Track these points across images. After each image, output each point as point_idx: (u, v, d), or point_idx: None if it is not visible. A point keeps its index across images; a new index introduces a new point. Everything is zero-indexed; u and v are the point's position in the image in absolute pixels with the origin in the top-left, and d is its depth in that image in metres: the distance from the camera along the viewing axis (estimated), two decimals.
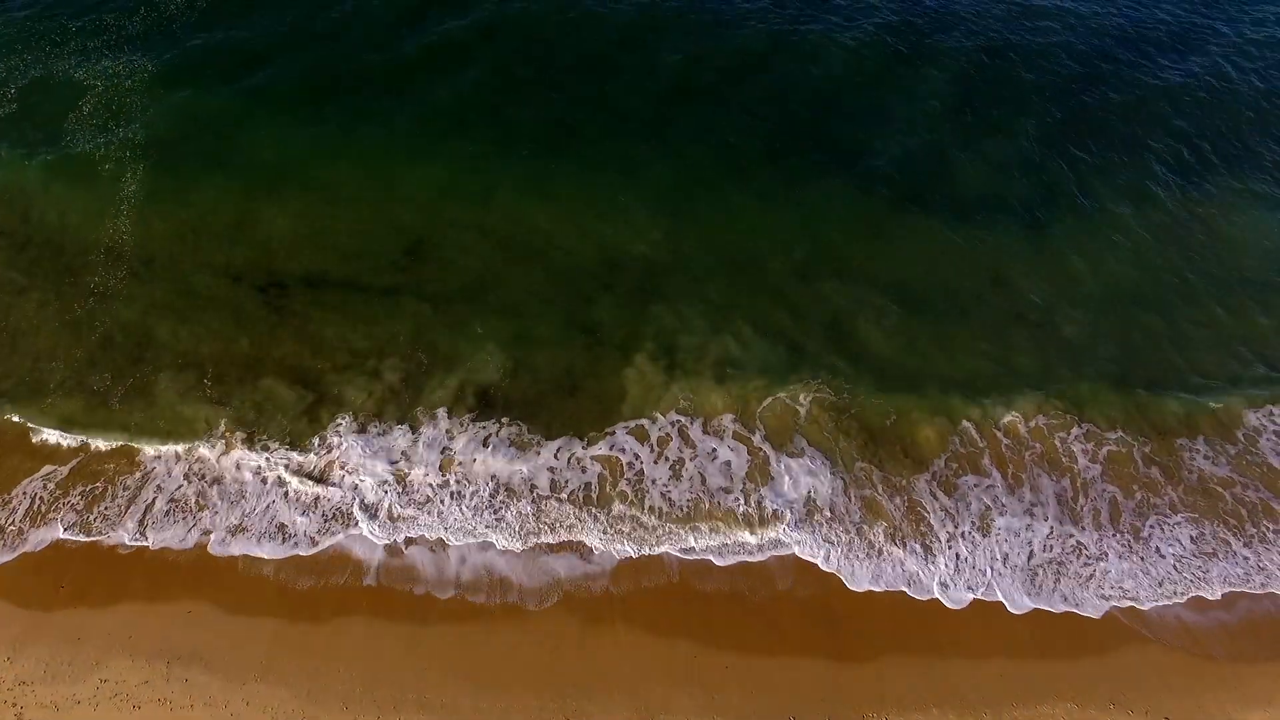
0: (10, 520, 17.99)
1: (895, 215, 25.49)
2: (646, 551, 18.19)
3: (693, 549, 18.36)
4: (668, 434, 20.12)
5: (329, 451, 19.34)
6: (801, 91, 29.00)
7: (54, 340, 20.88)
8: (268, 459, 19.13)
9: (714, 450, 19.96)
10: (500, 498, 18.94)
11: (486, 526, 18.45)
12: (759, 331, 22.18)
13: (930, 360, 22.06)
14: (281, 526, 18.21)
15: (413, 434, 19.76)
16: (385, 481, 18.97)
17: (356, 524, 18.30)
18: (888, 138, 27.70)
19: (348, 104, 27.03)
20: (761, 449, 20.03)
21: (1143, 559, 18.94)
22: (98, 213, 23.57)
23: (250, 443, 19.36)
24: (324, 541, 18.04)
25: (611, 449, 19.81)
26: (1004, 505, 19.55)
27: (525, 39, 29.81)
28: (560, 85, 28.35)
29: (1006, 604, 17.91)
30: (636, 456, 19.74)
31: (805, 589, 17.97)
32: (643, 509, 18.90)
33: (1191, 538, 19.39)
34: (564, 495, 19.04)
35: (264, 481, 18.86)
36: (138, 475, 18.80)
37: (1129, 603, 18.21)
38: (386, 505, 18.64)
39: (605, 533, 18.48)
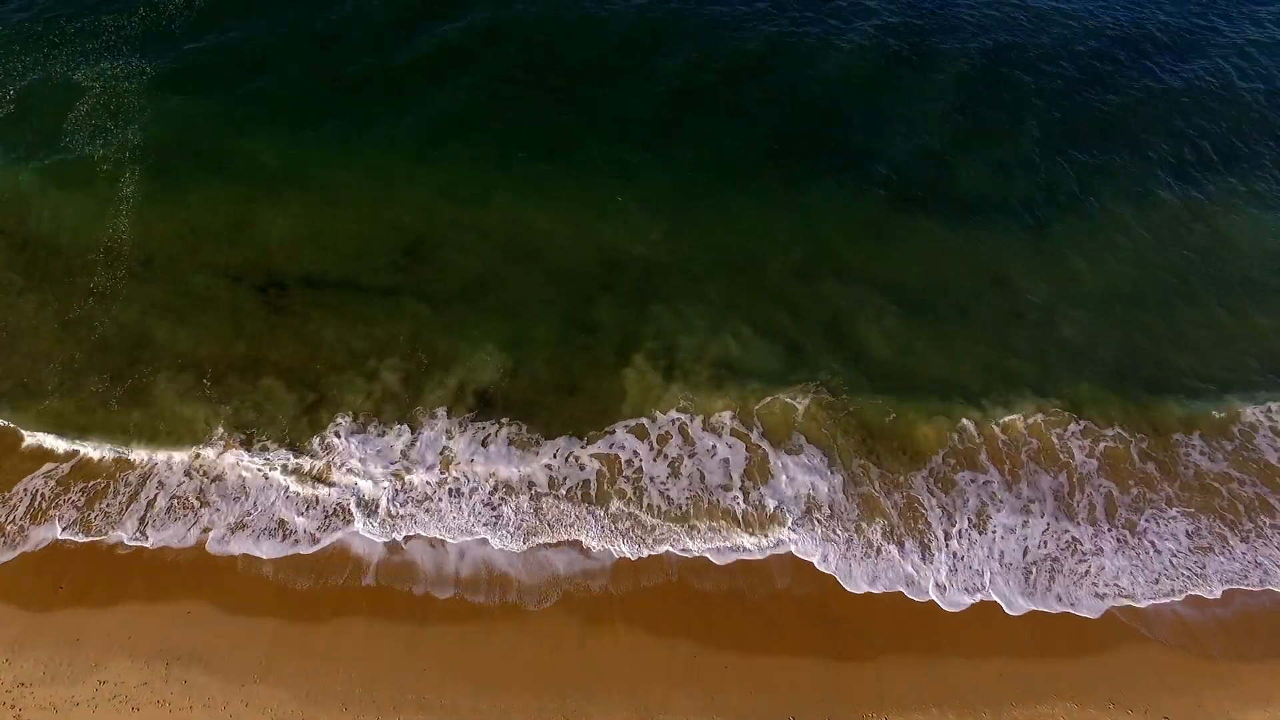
0: (11, 517, 18.01)
1: (895, 216, 25.51)
2: (645, 553, 18.20)
3: (693, 545, 18.37)
4: (667, 432, 20.15)
5: (328, 451, 19.34)
6: (801, 94, 29.01)
7: (52, 341, 20.87)
8: (267, 459, 19.13)
9: (713, 447, 19.99)
10: (499, 495, 18.97)
11: (485, 525, 18.46)
12: (758, 332, 22.19)
13: (929, 360, 22.08)
14: (281, 526, 18.21)
15: (412, 434, 19.77)
16: (384, 481, 18.97)
17: (356, 523, 18.31)
18: (887, 140, 27.72)
19: (347, 107, 27.03)
20: (760, 445, 20.07)
21: (1138, 554, 18.97)
22: (96, 214, 23.55)
23: (250, 443, 19.37)
24: (323, 541, 18.05)
25: (611, 448, 19.83)
26: (1001, 501, 19.59)
27: (524, 42, 29.80)
28: (560, 88, 28.36)
29: (1003, 605, 17.92)
30: (635, 453, 19.78)
31: (804, 587, 17.98)
32: (641, 507, 18.93)
33: (1188, 532, 19.45)
34: (562, 493, 19.07)
35: (263, 481, 18.86)
36: (138, 474, 18.81)
37: (1125, 601, 18.23)
38: (386, 504, 18.65)
39: (604, 531, 18.49)
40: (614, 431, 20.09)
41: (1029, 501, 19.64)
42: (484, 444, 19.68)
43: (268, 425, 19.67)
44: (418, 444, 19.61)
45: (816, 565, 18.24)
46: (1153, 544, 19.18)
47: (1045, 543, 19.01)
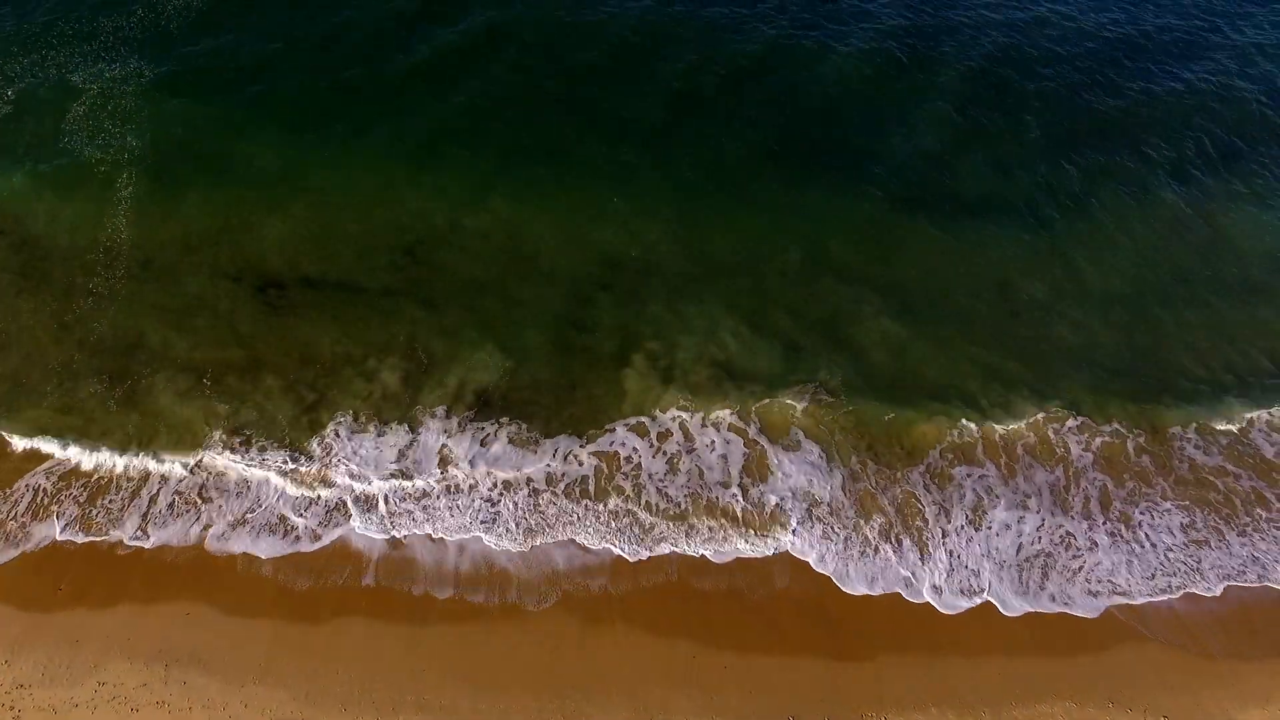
0: (13, 513, 18.01)
1: (894, 217, 25.48)
2: (644, 554, 18.19)
3: (690, 547, 18.37)
4: (667, 430, 20.19)
5: (328, 451, 19.33)
6: (801, 96, 28.92)
7: (51, 342, 20.83)
8: (267, 459, 19.12)
9: (711, 443, 20.03)
10: (498, 492, 18.98)
11: (483, 523, 18.47)
12: (757, 332, 22.18)
13: (928, 359, 22.08)
14: (281, 525, 18.21)
15: (411, 434, 19.75)
16: (384, 480, 18.97)
17: (355, 522, 18.31)
18: (887, 141, 27.67)
19: (347, 110, 26.92)
20: (758, 441, 20.11)
21: (1133, 549, 18.99)
22: (95, 215, 23.49)
23: (249, 443, 19.35)
24: (323, 540, 18.05)
25: (610, 446, 19.84)
26: (998, 497, 19.65)
27: (523, 45, 29.65)
28: (559, 91, 28.25)
29: (999, 607, 17.92)
30: (635, 450, 19.81)
31: (803, 587, 18.00)
32: (640, 505, 18.95)
33: (1182, 525, 19.49)
34: (561, 491, 19.08)
35: (263, 481, 18.85)
36: (137, 474, 18.81)
37: (1121, 599, 18.24)
38: (385, 504, 18.64)
39: (603, 530, 18.49)
40: (614, 430, 20.10)
41: (1025, 496, 19.69)
42: (483, 444, 19.67)
43: (267, 425, 19.66)
44: (417, 444, 19.60)
45: (813, 566, 18.25)
46: (1147, 537, 19.23)
47: (1040, 538, 19.05)
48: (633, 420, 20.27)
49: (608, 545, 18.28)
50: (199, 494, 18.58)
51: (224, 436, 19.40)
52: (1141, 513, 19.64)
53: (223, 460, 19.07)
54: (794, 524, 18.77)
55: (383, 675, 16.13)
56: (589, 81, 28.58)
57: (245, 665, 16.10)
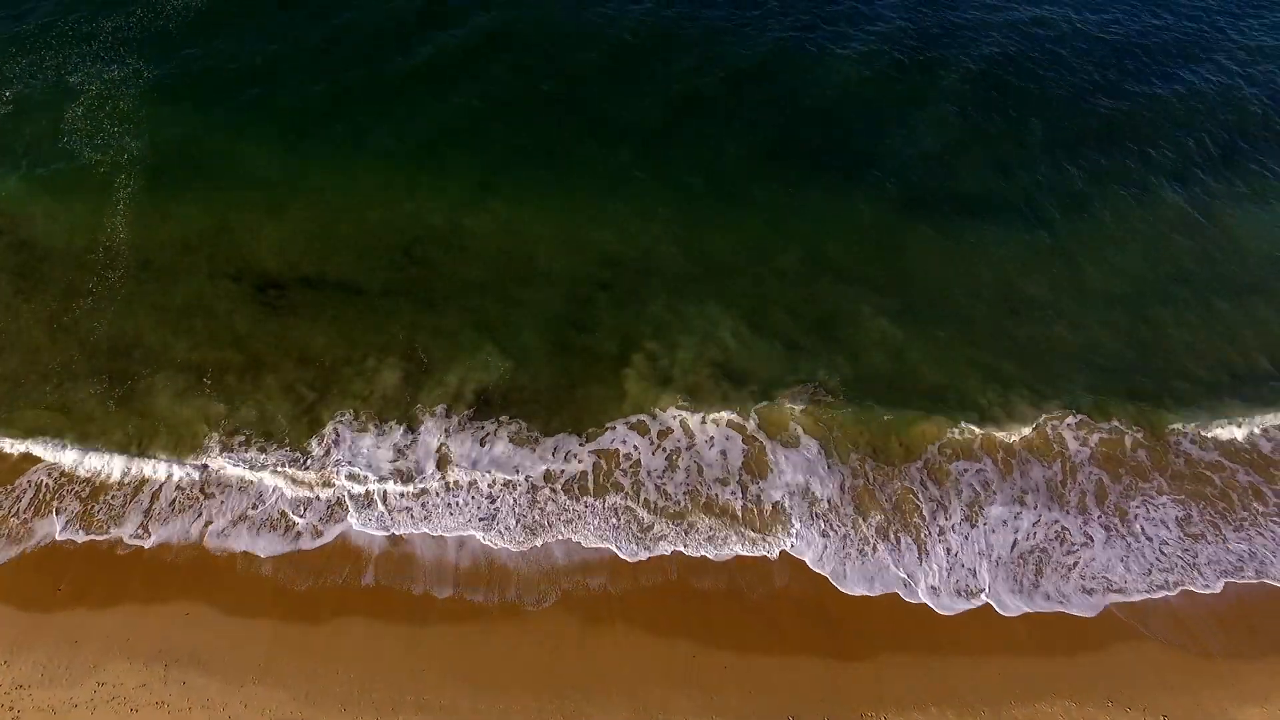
0: (15, 509, 18.02)
1: (895, 217, 25.48)
2: (644, 555, 18.19)
3: (690, 546, 18.39)
4: (667, 428, 20.21)
5: (328, 450, 19.33)
6: (802, 99, 28.89)
7: (50, 343, 20.79)
8: (267, 458, 19.11)
9: (711, 439, 20.06)
10: (498, 489, 19.00)
11: (483, 521, 18.48)
12: (757, 332, 22.18)
13: (928, 359, 22.09)
14: (281, 523, 18.22)
15: (411, 433, 19.76)
16: (384, 479, 18.97)
17: (355, 521, 18.31)
18: (888, 143, 27.63)
19: (346, 112, 26.87)
20: (757, 438, 20.14)
21: (1129, 543, 19.02)
22: (94, 216, 23.45)
23: (250, 442, 19.35)
24: (323, 538, 18.05)
25: (610, 444, 19.86)
26: (994, 493, 19.68)
27: (523, 49, 29.58)
28: (558, 94, 28.18)
29: (996, 607, 17.93)
30: (635, 448, 19.84)
31: (802, 586, 18.01)
32: (639, 502, 18.97)
33: (1178, 519, 19.53)
34: (560, 488, 19.11)
35: (263, 481, 18.85)
36: (137, 473, 18.79)
37: (1117, 596, 18.24)
38: (384, 502, 18.65)
39: (602, 529, 18.50)
40: (614, 428, 20.12)
41: (1022, 492, 19.75)
42: (482, 442, 19.69)
43: (267, 424, 19.67)
44: (417, 442, 19.61)
45: (810, 566, 18.25)
46: (1143, 530, 19.25)
47: (1035, 533, 19.09)
48: (633, 419, 20.28)
49: (608, 546, 18.27)
50: (199, 492, 18.58)
51: (224, 436, 19.40)
52: (1137, 506, 19.66)
53: (222, 460, 19.06)
54: (796, 525, 18.76)
55: (382, 675, 16.12)
56: (588, 83, 28.57)
57: (245, 665, 16.09)
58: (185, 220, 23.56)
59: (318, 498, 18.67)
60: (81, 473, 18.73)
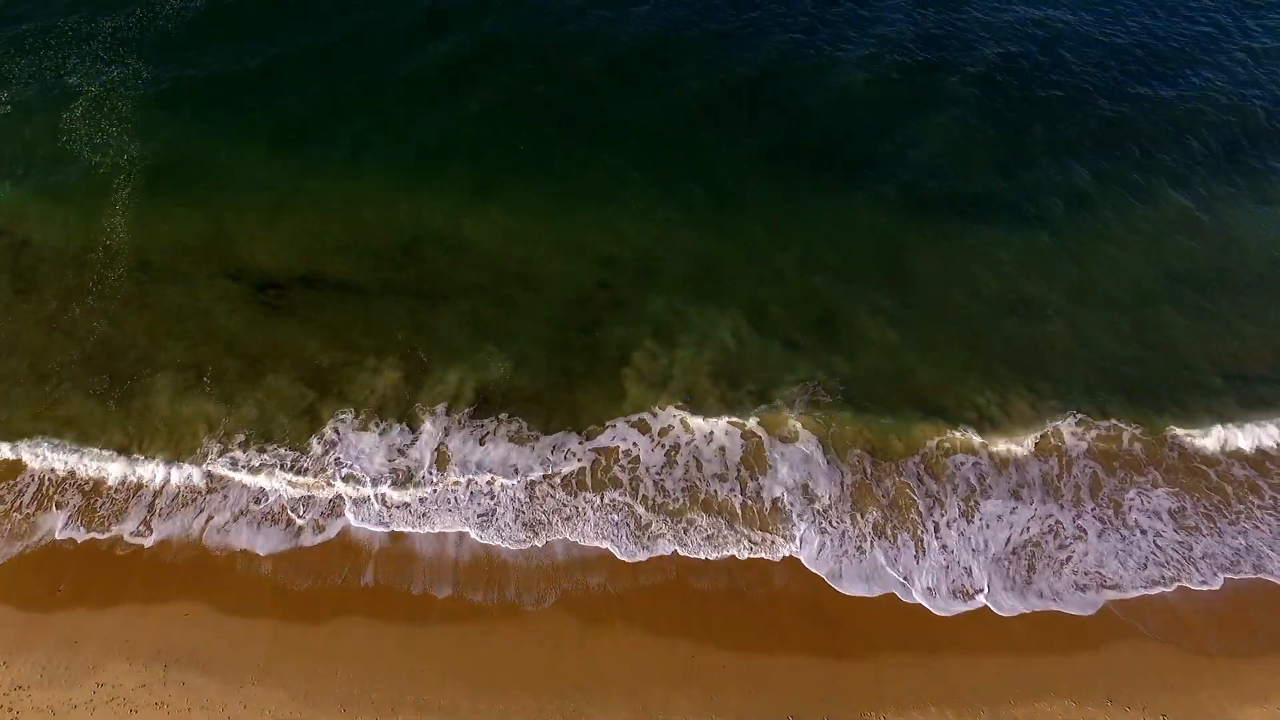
0: (18, 503, 18.06)
1: (895, 218, 25.42)
2: (643, 555, 18.20)
3: (689, 545, 18.40)
4: (666, 427, 20.22)
5: (328, 449, 19.35)
6: (802, 101, 28.81)
7: (49, 343, 20.81)
8: (267, 456, 19.13)
9: (709, 437, 20.08)
10: (497, 487, 19.02)
11: (481, 517, 18.50)
12: (757, 332, 22.19)
13: (928, 358, 22.07)
14: (281, 521, 18.23)
15: (411, 432, 19.77)
16: (383, 477, 18.98)
17: (354, 520, 18.33)
18: (888, 145, 27.51)
19: (346, 117, 26.81)
20: (756, 434, 20.15)
21: (1123, 537, 19.03)
22: (94, 218, 23.45)
23: (249, 441, 19.36)
24: (322, 536, 18.07)
25: (610, 442, 19.89)
26: (990, 488, 19.71)
27: (524, 56, 29.50)
28: (558, 99, 28.09)
29: (993, 608, 17.92)
30: (635, 445, 19.86)
31: (802, 586, 17.99)
32: (638, 500, 18.98)
33: (1170, 511, 19.55)
34: (559, 485, 19.14)
35: (263, 479, 18.85)
36: (136, 473, 18.82)
37: (1113, 593, 18.21)
38: (384, 501, 18.66)
39: (602, 527, 18.51)
40: (614, 426, 20.14)
41: (1018, 486, 19.79)
42: (482, 441, 19.72)
43: (267, 424, 19.69)
44: (417, 441, 19.64)
45: (807, 565, 18.24)
46: (1137, 523, 19.27)
47: (1029, 527, 19.11)
48: (634, 417, 20.30)
49: (607, 545, 18.28)
50: (199, 490, 18.60)
51: (224, 435, 19.41)
52: (1132, 498, 19.68)
53: (222, 459, 19.06)
54: (797, 526, 18.76)
55: (382, 675, 16.12)
56: (588, 87, 28.53)
57: (244, 665, 16.09)
58: (184, 221, 23.58)
59: (317, 496, 18.68)
60: (81, 473, 18.73)
